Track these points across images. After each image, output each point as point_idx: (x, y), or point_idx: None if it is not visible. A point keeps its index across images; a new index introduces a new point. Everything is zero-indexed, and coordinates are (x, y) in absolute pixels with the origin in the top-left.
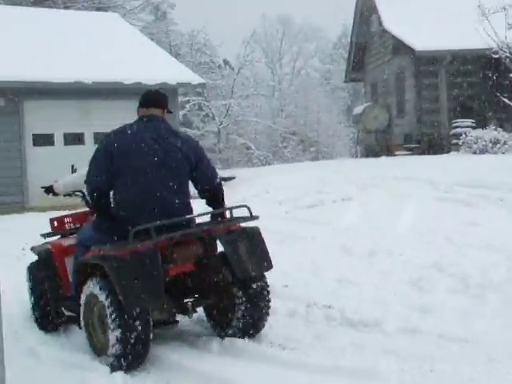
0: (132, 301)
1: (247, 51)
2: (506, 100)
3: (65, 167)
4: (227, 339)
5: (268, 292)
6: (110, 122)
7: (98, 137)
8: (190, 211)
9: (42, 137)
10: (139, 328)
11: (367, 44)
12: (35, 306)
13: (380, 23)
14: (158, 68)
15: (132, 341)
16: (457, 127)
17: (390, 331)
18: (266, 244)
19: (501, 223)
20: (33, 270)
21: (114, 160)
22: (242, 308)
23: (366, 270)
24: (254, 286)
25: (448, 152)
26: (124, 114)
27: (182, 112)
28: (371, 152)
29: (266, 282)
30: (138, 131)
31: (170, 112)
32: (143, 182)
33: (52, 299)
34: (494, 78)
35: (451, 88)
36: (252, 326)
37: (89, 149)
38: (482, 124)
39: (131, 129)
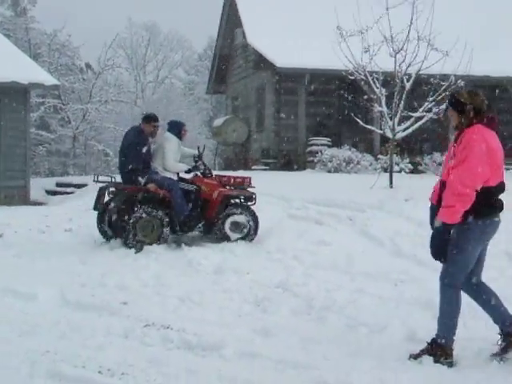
0: None
1: (109, 55)
2: (359, 121)
3: None
4: None
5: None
6: None
7: None
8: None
9: None
10: None
11: (231, 57)
12: None
13: (244, 37)
14: (8, 66)
15: None
16: (313, 145)
17: (228, 356)
18: None
19: (348, 243)
20: None
21: None
22: None
23: (211, 288)
24: None
25: (304, 169)
26: None
27: (37, 113)
28: (230, 165)
29: None
30: None
31: None
32: None
33: None
34: (350, 98)
35: (310, 106)
36: None
37: None
38: (337, 143)
39: None
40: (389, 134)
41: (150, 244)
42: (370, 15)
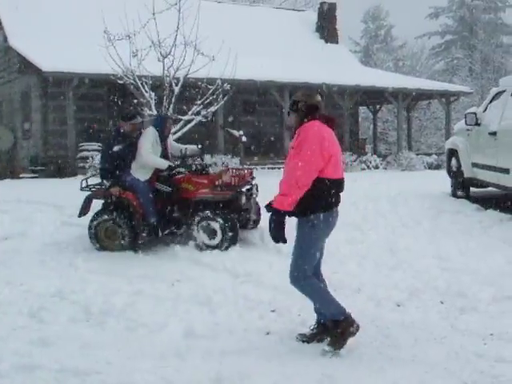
0: None
1: None
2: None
3: None
4: None
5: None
6: None
7: None
8: None
9: None
10: None
11: None
12: None
13: (5, 39)
14: None
15: None
16: (84, 150)
17: (5, 371)
18: None
19: None
20: None
21: None
22: None
23: None
24: None
25: (75, 175)
26: None
27: None
28: None
29: None
30: None
31: None
32: None
33: None
34: (120, 103)
35: (79, 111)
36: None
37: None
38: None
39: None
40: None
41: (113, 251)
42: (137, 20)
